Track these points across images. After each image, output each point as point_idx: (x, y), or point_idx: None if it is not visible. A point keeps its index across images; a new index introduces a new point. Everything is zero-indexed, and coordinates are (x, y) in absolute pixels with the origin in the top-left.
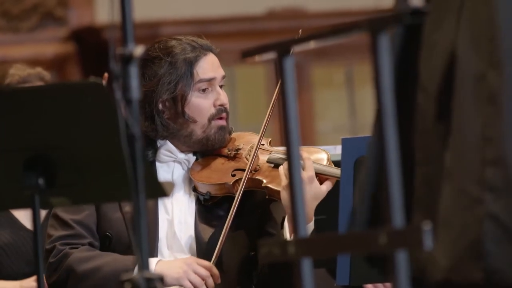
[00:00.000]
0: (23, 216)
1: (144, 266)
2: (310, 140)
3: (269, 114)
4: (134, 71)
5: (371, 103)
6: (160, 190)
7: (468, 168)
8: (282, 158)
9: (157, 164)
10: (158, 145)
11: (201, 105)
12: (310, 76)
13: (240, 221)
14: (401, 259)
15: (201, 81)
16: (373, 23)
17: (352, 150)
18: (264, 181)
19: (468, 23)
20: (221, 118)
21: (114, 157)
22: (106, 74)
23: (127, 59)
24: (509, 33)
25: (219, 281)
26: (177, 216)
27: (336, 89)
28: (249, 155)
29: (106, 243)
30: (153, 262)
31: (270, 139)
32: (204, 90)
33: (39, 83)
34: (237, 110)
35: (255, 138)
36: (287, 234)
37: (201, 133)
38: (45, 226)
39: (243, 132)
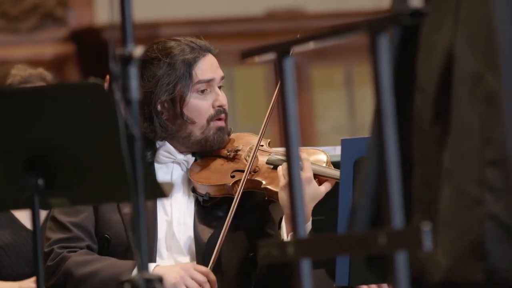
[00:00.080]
0: (24, 217)
1: (144, 266)
2: (309, 140)
3: (268, 116)
4: (133, 72)
5: (370, 103)
6: (160, 191)
7: (468, 168)
8: (281, 160)
9: (156, 165)
10: (157, 146)
11: (200, 106)
12: (310, 76)
13: (239, 222)
14: (401, 259)
15: (199, 82)
16: (373, 24)
17: (351, 151)
18: (264, 182)
19: (465, 23)
20: (219, 119)
21: (114, 158)
22: (108, 77)
23: (126, 60)
24: (505, 33)
25: (216, 287)
26: (176, 217)
27: (336, 90)
28: (248, 156)
29: (105, 245)
30: (150, 267)
31: (269, 140)
32: (202, 91)
33: (40, 84)
34: (237, 111)
35: (254, 139)
36: (284, 234)
37: (200, 134)
38: (45, 226)
39: (242, 133)
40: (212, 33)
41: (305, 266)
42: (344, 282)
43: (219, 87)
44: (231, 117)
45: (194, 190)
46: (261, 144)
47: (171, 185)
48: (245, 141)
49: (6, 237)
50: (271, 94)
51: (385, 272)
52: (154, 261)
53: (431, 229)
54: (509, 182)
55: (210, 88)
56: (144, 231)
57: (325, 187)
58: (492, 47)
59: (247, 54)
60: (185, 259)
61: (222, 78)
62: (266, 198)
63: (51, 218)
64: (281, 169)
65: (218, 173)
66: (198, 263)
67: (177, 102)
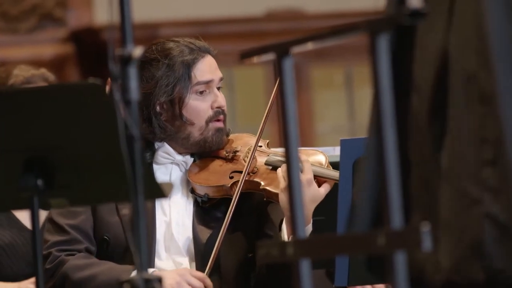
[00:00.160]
0: (25, 217)
1: (143, 267)
2: (309, 141)
3: (265, 117)
4: (133, 72)
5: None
6: (159, 191)
7: (467, 168)
8: (280, 161)
9: (155, 166)
10: (156, 147)
11: (199, 107)
12: (309, 77)
13: (238, 223)
14: (400, 260)
15: (198, 83)
16: (372, 24)
17: (351, 151)
18: (262, 183)
19: (459, 23)
20: (218, 120)
21: (113, 158)
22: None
23: (126, 60)
24: (498, 32)
25: None
26: (174, 218)
27: (335, 90)
28: (247, 157)
29: (104, 247)
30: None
31: (268, 140)
32: (201, 93)
33: (43, 84)
34: (236, 112)
35: (252, 140)
36: (285, 236)
37: (199, 135)
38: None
39: (241, 134)
40: (212, 33)
41: (305, 266)
42: (343, 283)
43: (218, 88)
44: (231, 118)
45: (193, 191)
46: (259, 145)
47: (170, 185)
48: (243, 141)
49: (7, 237)
50: (270, 95)
51: (384, 272)
52: (153, 262)
53: (431, 230)
54: (506, 182)
55: (209, 89)
56: (143, 231)
57: (325, 189)
58: (484, 46)
59: (246, 55)
60: (184, 260)
61: (221, 79)
62: (265, 199)
63: (49, 220)
64: (281, 171)
65: (217, 174)
66: (197, 264)
67: (176, 103)
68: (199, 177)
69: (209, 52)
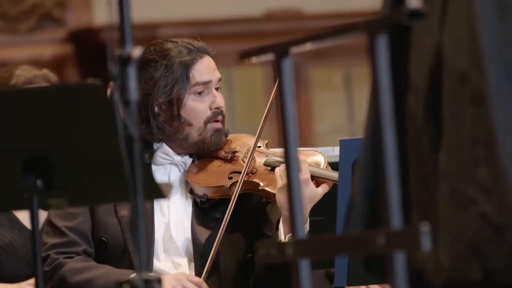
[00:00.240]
0: (25, 217)
1: (142, 267)
2: (308, 141)
3: (264, 118)
4: (132, 73)
5: None
6: (158, 191)
7: (462, 168)
8: (279, 161)
9: (154, 166)
10: (154, 147)
11: (197, 108)
12: (308, 77)
13: (237, 223)
14: (399, 260)
15: (197, 84)
16: (371, 25)
17: (350, 152)
18: (261, 184)
19: (450, 24)
20: (217, 121)
21: (113, 158)
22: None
23: (125, 61)
24: (489, 33)
25: None
26: (173, 219)
27: (335, 90)
28: (246, 158)
29: (102, 248)
30: None
31: (266, 141)
32: (200, 93)
33: (44, 85)
34: (235, 112)
35: (251, 140)
36: (282, 236)
37: (197, 136)
38: None
39: (240, 134)
40: (211, 33)
41: (304, 267)
42: (342, 283)
43: (217, 89)
44: (230, 118)
45: (191, 191)
46: (258, 145)
47: (170, 185)
48: (242, 142)
49: (7, 237)
50: (270, 95)
51: (383, 272)
52: (151, 263)
53: (430, 229)
54: (498, 182)
55: (207, 90)
56: (142, 232)
57: (323, 189)
58: (476, 48)
59: (245, 55)
60: (183, 260)
61: (220, 79)
62: (264, 200)
63: (47, 222)
64: (279, 171)
65: (216, 175)
66: (195, 264)
67: (174, 104)
68: (198, 178)
69: (207, 53)
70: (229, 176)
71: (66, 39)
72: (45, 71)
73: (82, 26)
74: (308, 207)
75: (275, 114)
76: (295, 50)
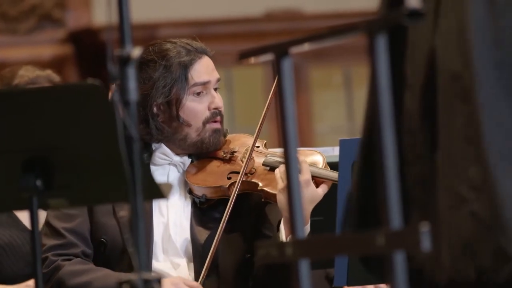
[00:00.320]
0: (26, 217)
1: (142, 267)
2: (308, 141)
3: (263, 118)
4: (131, 73)
5: None
6: (158, 192)
7: (456, 167)
8: (278, 161)
9: (152, 167)
10: (153, 148)
11: (196, 108)
12: (308, 77)
13: (235, 224)
14: (399, 260)
15: (195, 84)
16: (371, 25)
17: (349, 152)
18: (260, 184)
19: (443, 24)
20: (215, 121)
21: (113, 159)
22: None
23: (124, 61)
24: (480, 33)
25: None
26: (172, 219)
27: (334, 91)
28: (245, 158)
29: (101, 249)
30: None
31: (265, 141)
32: (198, 94)
33: (47, 85)
34: (235, 112)
35: (250, 140)
36: (283, 236)
37: (196, 136)
38: None
39: (238, 134)
40: (211, 34)
41: (304, 267)
42: (342, 283)
43: (215, 89)
44: (230, 118)
45: (190, 192)
46: (257, 145)
47: (169, 186)
48: (241, 142)
49: (6, 237)
50: (269, 95)
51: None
52: (150, 263)
53: (430, 229)
54: (487, 181)
55: (206, 90)
56: (142, 232)
57: (323, 189)
58: (467, 47)
59: (245, 55)
60: (182, 261)
61: (218, 80)
62: (263, 200)
63: (46, 223)
64: (279, 172)
65: (215, 175)
66: (194, 265)
67: (173, 105)
68: (197, 178)
69: (206, 53)
70: (228, 176)
71: (65, 40)
72: (49, 71)
73: (82, 26)
74: (309, 208)
75: (274, 113)
76: (295, 50)
